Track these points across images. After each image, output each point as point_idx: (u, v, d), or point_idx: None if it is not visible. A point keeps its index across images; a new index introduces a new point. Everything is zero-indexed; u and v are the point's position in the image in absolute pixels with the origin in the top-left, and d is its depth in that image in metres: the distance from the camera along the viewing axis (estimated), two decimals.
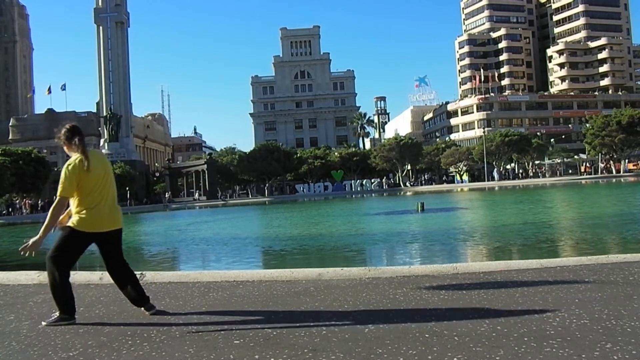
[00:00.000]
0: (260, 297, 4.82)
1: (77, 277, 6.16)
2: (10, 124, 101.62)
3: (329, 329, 3.63)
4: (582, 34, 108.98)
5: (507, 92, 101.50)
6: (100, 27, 70.96)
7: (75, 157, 4.11)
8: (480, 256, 8.93)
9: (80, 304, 4.47)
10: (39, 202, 50.06)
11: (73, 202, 4.12)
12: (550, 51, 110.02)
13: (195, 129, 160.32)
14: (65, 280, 4.13)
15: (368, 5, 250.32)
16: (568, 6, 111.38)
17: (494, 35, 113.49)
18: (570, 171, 70.10)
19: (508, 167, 67.67)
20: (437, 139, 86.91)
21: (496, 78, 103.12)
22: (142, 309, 4.31)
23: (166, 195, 61.66)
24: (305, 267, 6.63)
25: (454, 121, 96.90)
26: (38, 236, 4.03)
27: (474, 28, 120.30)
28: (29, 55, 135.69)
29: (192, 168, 69.23)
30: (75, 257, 4.22)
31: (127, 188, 52.41)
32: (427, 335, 3.37)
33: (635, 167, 66.59)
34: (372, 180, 65.97)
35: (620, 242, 9.61)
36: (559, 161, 72.92)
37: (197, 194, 63.19)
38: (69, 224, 4.10)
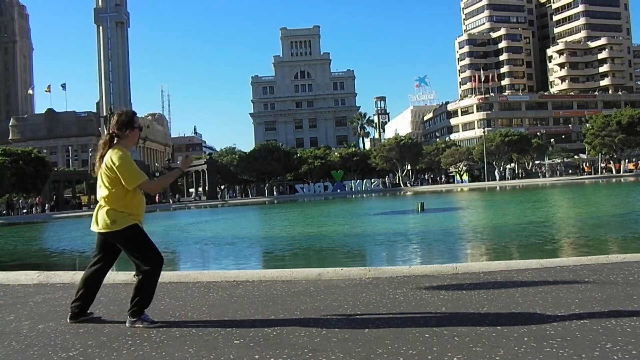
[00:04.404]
0: (260, 297, 4.83)
1: (77, 277, 6.16)
2: (10, 124, 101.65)
3: (329, 329, 3.63)
4: (582, 34, 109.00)
5: (507, 92, 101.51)
6: (100, 27, 71.10)
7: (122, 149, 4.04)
8: (480, 256, 8.93)
9: None
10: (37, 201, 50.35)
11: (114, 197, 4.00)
12: (550, 51, 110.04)
13: (195, 129, 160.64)
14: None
15: (368, 6, 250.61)
16: (568, 6, 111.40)
17: (494, 35, 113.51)
18: (570, 171, 70.11)
19: (508, 167, 67.68)
20: (437, 139, 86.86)
21: (496, 78, 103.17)
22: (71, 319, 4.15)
23: (197, 192, 62.23)
24: (305, 267, 6.63)
25: (454, 121, 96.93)
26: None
27: (474, 28, 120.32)
28: (29, 55, 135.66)
29: (192, 168, 69.16)
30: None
31: None
32: (427, 335, 3.37)
33: (635, 167, 66.56)
34: (373, 180, 65.94)
35: (620, 242, 9.60)
36: (559, 161, 72.92)
37: (227, 192, 63.97)
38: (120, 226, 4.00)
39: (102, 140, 4.07)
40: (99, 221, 4.02)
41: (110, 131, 4.06)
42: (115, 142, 4.04)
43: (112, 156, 3.92)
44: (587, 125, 66.73)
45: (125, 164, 3.90)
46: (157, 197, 60.05)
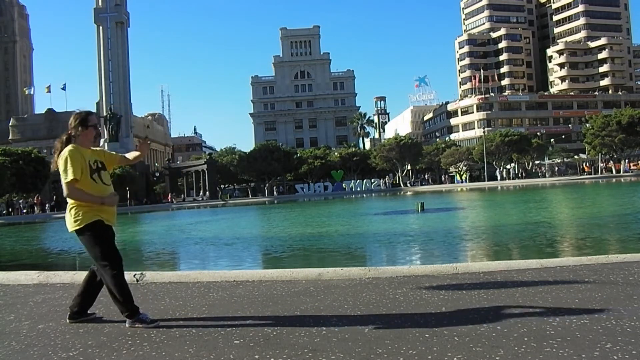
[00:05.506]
0: (260, 297, 4.82)
1: (76, 277, 6.16)
2: (10, 124, 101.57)
3: (329, 329, 3.63)
4: (582, 34, 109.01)
5: (507, 92, 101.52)
6: (100, 27, 71.03)
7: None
8: (480, 256, 8.92)
9: None
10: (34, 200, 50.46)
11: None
12: (550, 51, 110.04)
13: (195, 129, 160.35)
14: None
15: (368, 6, 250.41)
16: (568, 6, 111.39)
17: (494, 35, 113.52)
18: (570, 171, 70.13)
19: (508, 167, 67.72)
20: (437, 139, 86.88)
21: (496, 78, 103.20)
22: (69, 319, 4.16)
23: (205, 192, 62.26)
24: (305, 267, 6.62)
25: (454, 121, 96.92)
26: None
27: (474, 28, 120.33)
28: (29, 55, 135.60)
29: (192, 168, 69.16)
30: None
31: (127, 188, 52.44)
32: (427, 335, 3.37)
33: (635, 167, 66.58)
34: (373, 180, 65.93)
35: (620, 242, 9.60)
36: (559, 161, 72.93)
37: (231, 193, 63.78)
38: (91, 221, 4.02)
39: (58, 140, 4.13)
40: (67, 221, 4.09)
41: (68, 132, 4.14)
42: (73, 141, 4.11)
43: (63, 153, 4.00)
44: (587, 125, 66.73)
45: (68, 159, 3.94)
46: (169, 196, 60.65)
